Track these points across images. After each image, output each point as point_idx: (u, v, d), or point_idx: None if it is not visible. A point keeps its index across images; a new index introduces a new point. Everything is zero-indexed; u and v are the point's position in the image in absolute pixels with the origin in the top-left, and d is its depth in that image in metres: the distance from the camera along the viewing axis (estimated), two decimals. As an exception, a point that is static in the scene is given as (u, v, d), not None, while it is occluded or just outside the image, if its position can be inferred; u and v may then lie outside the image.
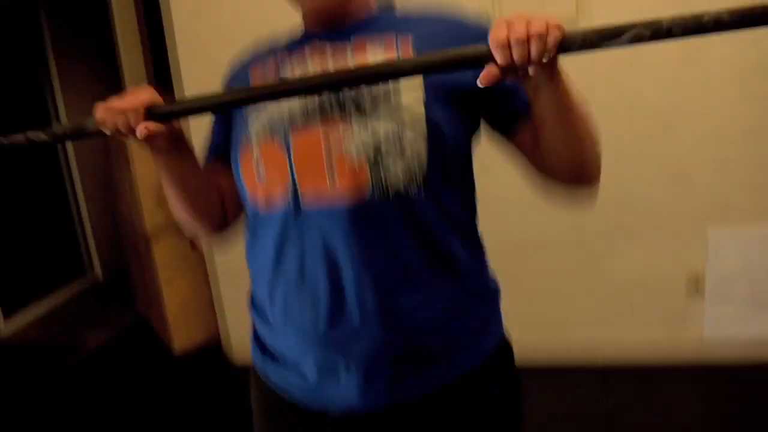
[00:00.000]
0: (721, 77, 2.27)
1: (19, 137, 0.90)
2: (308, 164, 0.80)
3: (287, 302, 0.86)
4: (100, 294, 3.97)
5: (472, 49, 0.73)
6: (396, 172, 0.79)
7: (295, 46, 0.92)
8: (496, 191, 1.96)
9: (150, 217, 2.88)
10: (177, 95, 2.63)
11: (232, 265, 2.79)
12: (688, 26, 0.72)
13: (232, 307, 2.88)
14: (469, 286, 0.89)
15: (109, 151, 3.30)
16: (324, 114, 0.80)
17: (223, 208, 0.99)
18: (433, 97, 0.80)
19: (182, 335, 3.02)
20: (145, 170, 2.85)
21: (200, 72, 2.57)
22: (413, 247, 0.82)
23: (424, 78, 0.80)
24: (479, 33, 0.81)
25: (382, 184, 0.79)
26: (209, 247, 0.92)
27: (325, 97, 0.81)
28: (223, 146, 0.96)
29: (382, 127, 0.78)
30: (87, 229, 4.06)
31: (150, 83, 3.45)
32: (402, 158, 0.78)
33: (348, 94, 0.80)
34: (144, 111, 0.80)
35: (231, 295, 2.86)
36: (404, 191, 0.79)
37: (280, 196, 0.82)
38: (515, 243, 2.47)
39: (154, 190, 2.87)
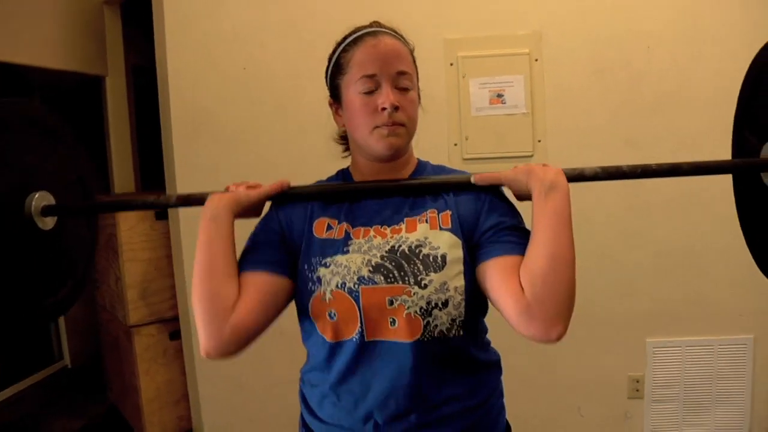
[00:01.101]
0: (659, 205, 2.64)
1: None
2: (374, 312, 1.06)
3: (341, 406, 1.12)
4: (69, 382, 4.01)
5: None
6: (442, 321, 1.06)
7: (356, 215, 1.17)
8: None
9: (134, 310, 3.04)
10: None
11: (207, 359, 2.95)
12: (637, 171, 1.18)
13: (207, 399, 3.01)
14: (485, 374, 1.20)
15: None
16: (387, 275, 1.07)
17: (234, 307, 1.07)
18: (470, 271, 1.09)
19: (155, 426, 3.12)
20: (133, 264, 3.03)
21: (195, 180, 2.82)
22: (451, 365, 1.11)
23: (464, 260, 1.09)
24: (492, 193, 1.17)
25: (431, 330, 1.06)
26: (209, 354, 1.04)
27: (387, 263, 1.08)
28: (274, 264, 1.12)
29: (433, 291, 1.05)
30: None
31: (137, 183, 3.68)
32: (447, 312, 1.06)
33: (406, 262, 1.07)
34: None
35: (206, 387, 3.00)
36: (447, 333, 1.07)
37: (348, 332, 1.08)
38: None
39: (139, 284, 3.05)
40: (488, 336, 1.25)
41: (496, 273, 1.05)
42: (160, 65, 2.82)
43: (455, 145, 2.64)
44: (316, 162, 2.50)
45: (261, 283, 1.09)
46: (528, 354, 2.74)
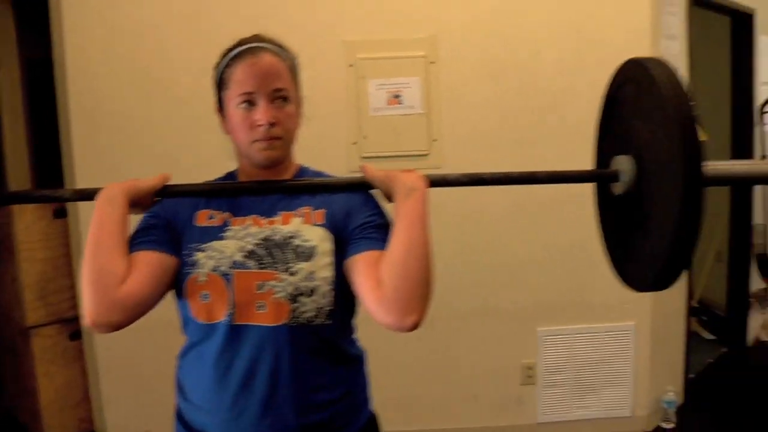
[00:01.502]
0: (547, 203, 2.78)
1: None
2: (244, 295, 1.13)
3: (212, 389, 1.16)
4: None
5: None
6: (308, 308, 1.14)
7: (239, 206, 1.24)
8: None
9: (32, 311, 2.96)
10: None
11: (110, 357, 2.92)
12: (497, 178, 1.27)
13: (109, 399, 2.96)
14: (350, 367, 1.28)
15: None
16: (259, 261, 1.14)
17: (124, 279, 1.10)
18: (338, 262, 1.17)
19: (55, 429, 3.05)
20: (30, 264, 2.96)
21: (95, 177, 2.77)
22: (317, 354, 1.18)
23: (335, 252, 1.17)
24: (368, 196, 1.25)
25: (297, 316, 1.13)
26: (94, 323, 1.05)
27: (260, 250, 1.15)
28: (162, 243, 1.17)
29: (301, 279, 1.13)
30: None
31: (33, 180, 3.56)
32: (314, 300, 1.14)
33: (278, 250, 1.15)
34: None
35: (109, 386, 2.96)
36: (313, 320, 1.15)
37: (219, 314, 1.14)
38: (367, 332, 2.79)
39: (37, 284, 2.98)
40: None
41: (360, 266, 1.13)
42: (58, 59, 2.75)
43: (354, 143, 2.72)
44: (216, 159, 2.52)
45: (151, 259, 1.14)
46: (424, 344, 2.85)
